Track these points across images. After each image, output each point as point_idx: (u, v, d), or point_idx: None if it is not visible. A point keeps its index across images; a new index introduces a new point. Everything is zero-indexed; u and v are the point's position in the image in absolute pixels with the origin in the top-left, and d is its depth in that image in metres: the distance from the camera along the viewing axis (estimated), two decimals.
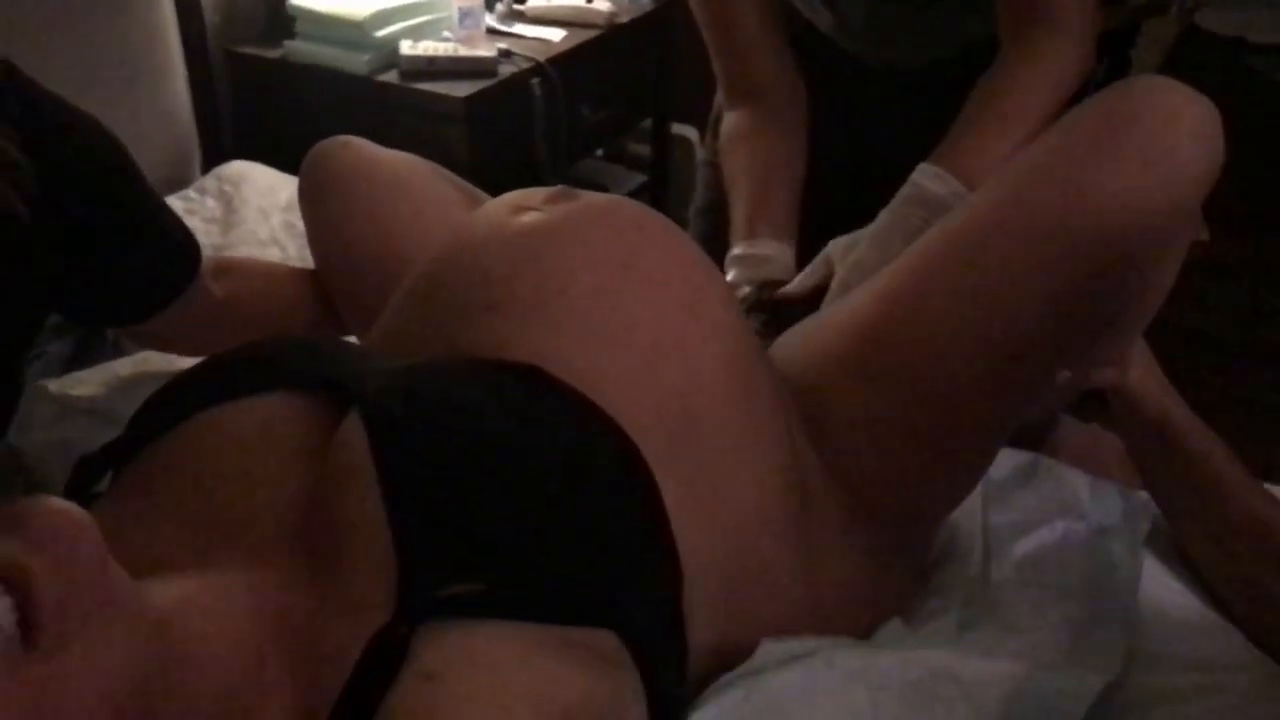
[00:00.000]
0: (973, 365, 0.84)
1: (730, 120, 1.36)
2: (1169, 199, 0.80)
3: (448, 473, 0.63)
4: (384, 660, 0.56)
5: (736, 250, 1.23)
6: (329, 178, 1.08)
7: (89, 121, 0.89)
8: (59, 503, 0.52)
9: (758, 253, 1.22)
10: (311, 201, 1.10)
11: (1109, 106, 0.84)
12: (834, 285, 1.09)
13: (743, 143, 1.32)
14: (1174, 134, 0.80)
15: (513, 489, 0.63)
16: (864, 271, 1.04)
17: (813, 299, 1.10)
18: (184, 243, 1.01)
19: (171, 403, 0.75)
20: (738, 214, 1.27)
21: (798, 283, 1.14)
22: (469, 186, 1.15)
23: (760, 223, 1.24)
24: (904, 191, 1.10)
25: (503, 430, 0.66)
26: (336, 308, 1.11)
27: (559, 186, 0.87)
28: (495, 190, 1.16)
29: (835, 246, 1.12)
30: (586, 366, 0.73)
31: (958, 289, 0.84)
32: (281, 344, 0.81)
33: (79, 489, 0.72)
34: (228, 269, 1.10)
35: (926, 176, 1.09)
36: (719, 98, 1.52)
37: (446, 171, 1.15)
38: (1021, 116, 1.10)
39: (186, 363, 1.09)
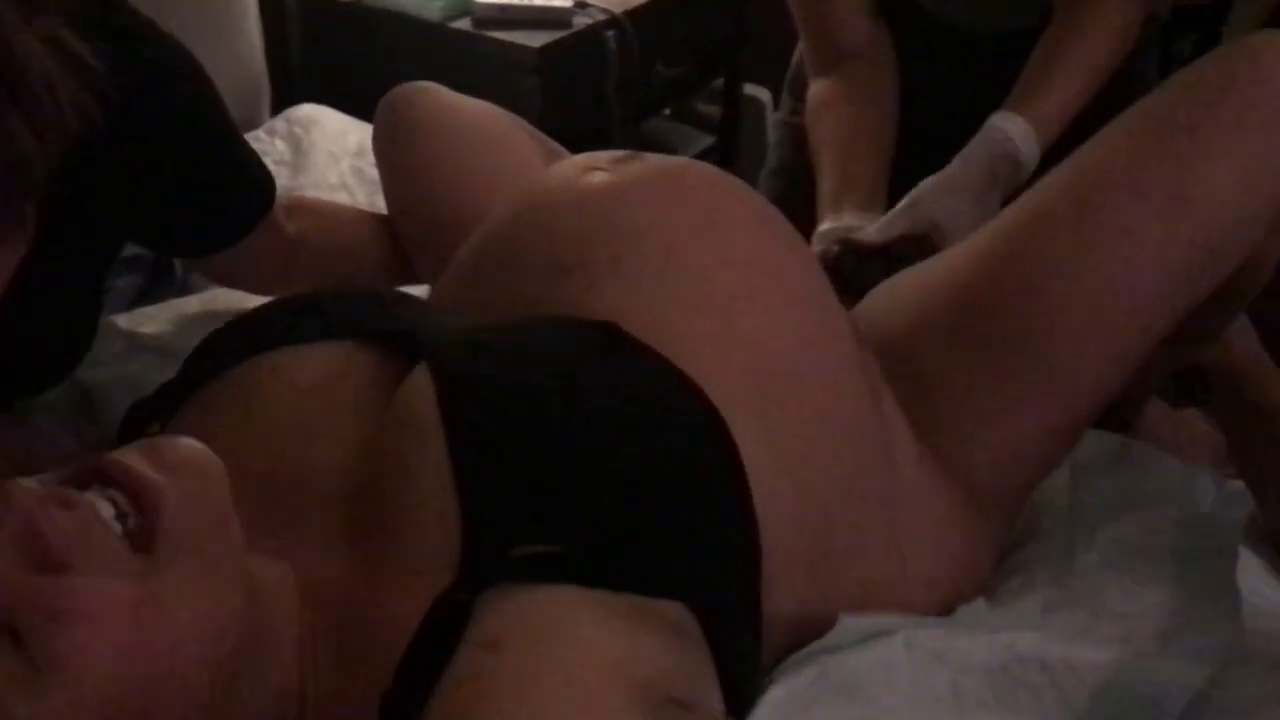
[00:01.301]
0: (1077, 329, 0.81)
1: (817, 88, 1.33)
2: None
3: (518, 428, 0.61)
4: (445, 628, 0.53)
5: (824, 226, 1.20)
6: (406, 124, 1.06)
7: (178, 49, 0.88)
8: (195, 443, 0.55)
9: (844, 225, 1.18)
10: (387, 147, 1.08)
11: (1231, 62, 0.82)
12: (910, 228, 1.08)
13: (829, 112, 1.30)
14: None
15: (588, 447, 0.60)
16: (966, 225, 1.04)
17: (891, 250, 1.09)
18: (260, 178, 1.00)
19: (230, 344, 0.73)
20: (824, 187, 1.25)
21: (877, 230, 1.12)
22: (545, 138, 1.13)
23: (847, 195, 1.22)
24: (988, 138, 1.12)
25: (578, 386, 0.64)
26: (408, 254, 1.09)
27: (626, 151, 0.85)
28: (564, 143, 1.14)
29: (923, 195, 1.11)
30: (663, 325, 0.71)
31: (1065, 250, 0.82)
32: (347, 293, 0.80)
33: (133, 431, 0.71)
34: (300, 208, 1.09)
35: (1007, 122, 1.11)
36: (797, 55, 1.49)
37: (523, 122, 1.13)
38: (1086, 70, 1.15)
39: (255, 301, 1.08)
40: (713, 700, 0.59)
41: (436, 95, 1.08)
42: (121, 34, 0.81)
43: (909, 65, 1.34)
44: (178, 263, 1.31)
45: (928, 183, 1.12)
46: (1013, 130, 1.11)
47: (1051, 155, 0.98)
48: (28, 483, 0.51)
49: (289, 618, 0.57)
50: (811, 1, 1.30)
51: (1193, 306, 0.83)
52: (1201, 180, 0.78)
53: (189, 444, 0.56)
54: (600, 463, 0.60)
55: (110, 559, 0.50)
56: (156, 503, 0.52)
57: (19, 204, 0.73)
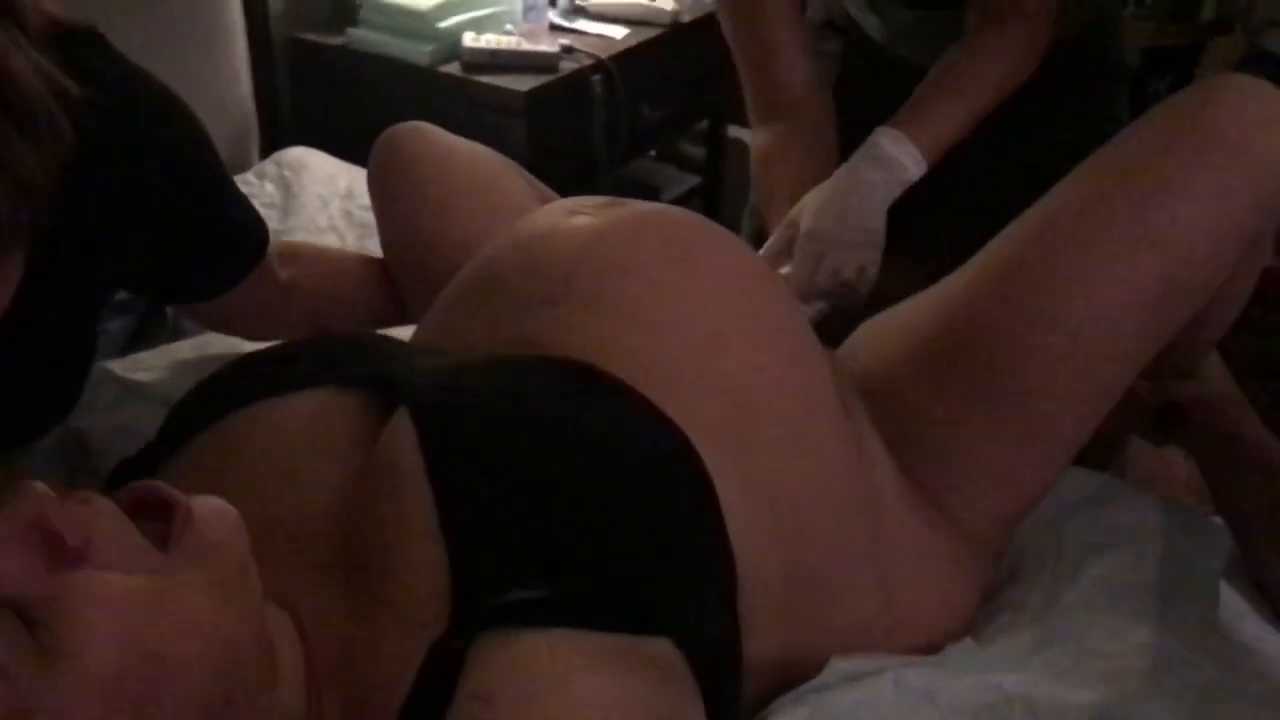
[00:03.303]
0: (1052, 366, 0.83)
1: (761, 138, 1.34)
2: (1250, 191, 0.82)
3: (501, 473, 0.61)
4: (440, 678, 0.54)
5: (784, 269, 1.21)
6: (401, 164, 1.07)
7: (168, 95, 0.89)
8: (216, 498, 0.59)
9: None
10: (382, 186, 1.09)
11: (1193, 102, 0.85)
12: (801, 241, 1.11)
13: (778, 160, 1.31)
14: (1256, 130, 0.82)
15: (569, 489, 0.61)
16: (827, 223, 1.09)
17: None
18: (253, 226, 1.00)
19: (212, 398, 0.74)
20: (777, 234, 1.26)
21: (763, 252, 1.15)
22: (536, 181, 1.15)
23: None
24: (863, 151, 1.15)
25: (559, 429, 0.65)
26: (401, 296, 1.10)
27: (608, 197, 0.88)
28: (552, 184, 1.16)
29: (803, 205, 1.14)
30: (645, 357, 0.72)
31: (1037, 290, 0.84)
32: (328, 339, 0.81)
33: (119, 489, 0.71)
34: (294, 253, 1.09)
35: (885, 138, 1.14)
36: None
37: (515, 164, 1.15)
38: (976, 93, 1.17)
39: (249, 346, 1.09)
40: None
41: (431, 136, 1.09)
42: (115, 81, 0.82)
43: (871, 100, 1.36)
44: (169, 307, 1.32)
45: (807, 197, 1.16)
46: (893, 150, 1.13)
47: (1025, 199, 0.99)
48: (38, 484, 0.53)
49: (296, 663, 0.58)
50: (754, 55, 1.32)
51: (1166, 341, 0.85)
52: (1166, 217, 0.81)
53: (212, 497, 0.58)
54: (582, 506, 0.61)
55: (126, 552, 0.53)
56: (187, 513, 0.55)
57: (20, 221, 0.75)
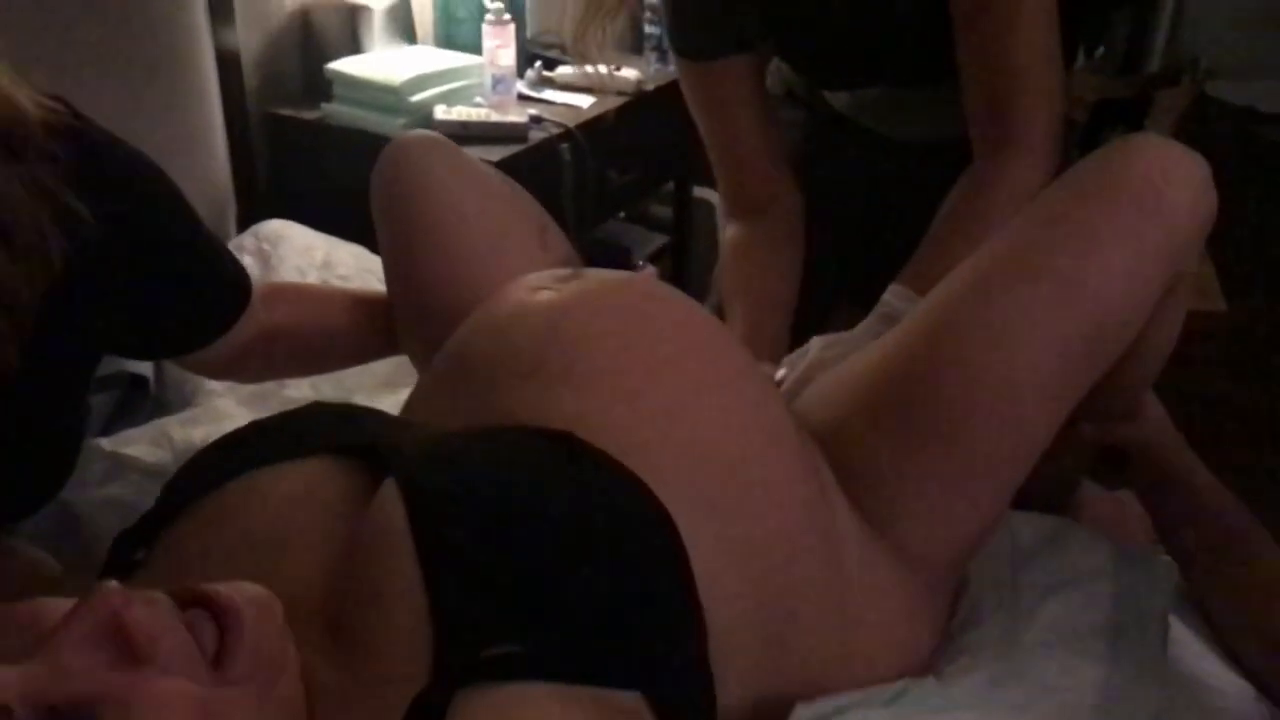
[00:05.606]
0: (987, 408, 0.87)
1: (731, 232, 1.39)
2: (1163, 240, 0.87)
3: (483, 538, 0.64)
4: None
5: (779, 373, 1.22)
6: (410, 185, 1.05)
7: (144, 162, 0.91)
8: (256, 585, 0.60)
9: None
10: (390, 203, 1.07)
11: (1107, 161, 0.91)
12: (799, 375, 1.11)
13: (742, 260, 1.36)
14: (1166, 184, 0.88)
15: (548, 553, 0.64)
16: (831, 354, 1.09)
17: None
18: (235, 274, 1.03)
19: (207, 468, 0.77)
20: (735, 332, 1.28)
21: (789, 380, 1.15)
22: (540, 210, 1.16)
23: (752, 345, 1.25)
24: (877, 310, 1.14)
25: (538, 495, 0.68)
26: (391, 333, 1.10)
27: (568, 269, 0.92)
28: None
29: (816, 343, 1.15)
30: (615, 428, 0.76)
31: (970, 336, 0.88)
32: (319, 411, 0.84)
33: (118, 561, 0.74)
34: (278, 295, 1.10)
35: (898, 297, 1.14)
36: None
37: (522, 192, 1.16)
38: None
39: (236, 420, 1.12)
40: None
41: (444, 154, 1.07)
42: (87, 150, 0.84)
43: (839, 167, 1.41)
44: (151, 381, 1.34)
45: (823, 338, 1.15)
46: (895, 299, 1.14)
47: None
48: (113, 583, 0.55)
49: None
50: (725, 152, 1.37)
51: (1092, 381, 0.90)
52: (1088, 265, 0.86)
53: (252, 585, 0.60)
54: (560, 567, 0.64)
55: (186, 660, 0.55)
56: (240, 622, 0.57)
57: (4, 337, 0.77)
